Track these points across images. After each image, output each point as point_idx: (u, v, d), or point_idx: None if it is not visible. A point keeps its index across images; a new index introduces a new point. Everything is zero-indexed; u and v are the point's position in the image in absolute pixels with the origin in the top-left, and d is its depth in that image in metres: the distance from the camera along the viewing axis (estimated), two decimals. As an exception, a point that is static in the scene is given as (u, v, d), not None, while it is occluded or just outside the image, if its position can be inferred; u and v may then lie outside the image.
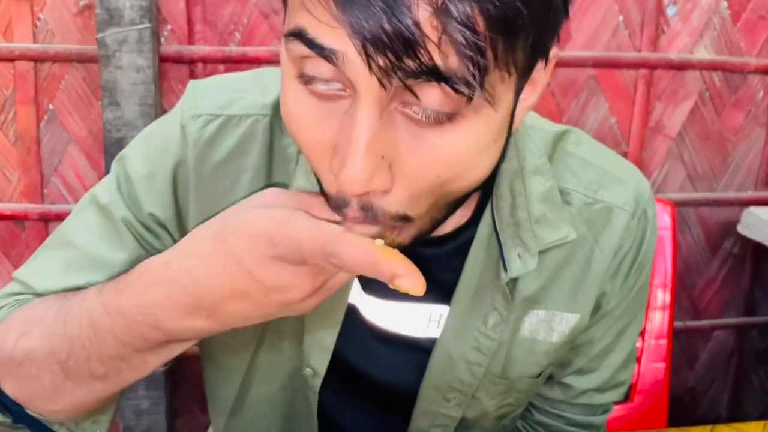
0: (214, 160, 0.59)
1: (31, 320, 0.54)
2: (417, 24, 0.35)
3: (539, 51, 0.42)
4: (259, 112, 0.59)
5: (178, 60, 1.40)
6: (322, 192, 0.46)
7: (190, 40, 1.41)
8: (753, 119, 1.67)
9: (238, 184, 0.59)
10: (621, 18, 1.55)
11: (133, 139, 0.64)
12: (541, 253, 0.59)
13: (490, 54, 0.37)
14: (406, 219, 0.44)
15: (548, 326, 0.63)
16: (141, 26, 1.28)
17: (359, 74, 0.38)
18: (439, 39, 0.36)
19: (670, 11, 1.57)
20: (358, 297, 0.62)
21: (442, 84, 0.37)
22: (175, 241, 0.57)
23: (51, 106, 1.40)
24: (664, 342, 1.24)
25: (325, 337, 0.61)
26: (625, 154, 1.63)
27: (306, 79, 0.41)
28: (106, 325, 0.48)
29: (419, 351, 0.63)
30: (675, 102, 1.62)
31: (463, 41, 0.36)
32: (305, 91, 0.42)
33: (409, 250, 0.45)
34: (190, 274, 0.45)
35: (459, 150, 0.41)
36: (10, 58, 1.36)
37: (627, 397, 0.77)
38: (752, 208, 1.59)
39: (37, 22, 1.36)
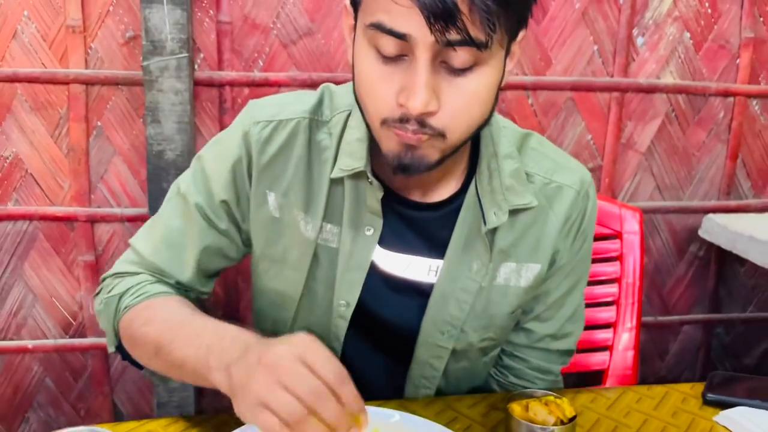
0: (270, 153, 0.81)
1: (151, 317, 0.78)
2: (456, 4, 0.58)
3: (520, 25, 0.68)
4: (300, 116, 0.82)
5: (209, 84, 1.61)
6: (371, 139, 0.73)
7: (220, 66, 1.62)
8: (715, 136, 1.86)
9: (287, 169, 0.81)
10: (595, 47, 1.76)
11: (206, 143, 0.89)
12: (511, 213, 0.81)
13: (496, 22, 0.61)
14: (442, 136, 0.67)
15: (517, 274, 0.85)
16: (180, 56, 1.50)
17: (420, 42, 0.61)
18: (469, 11, 0.59)
19: (639, 41, 1.78)
20: (375, 252, 0.83)
21: (470, 47, 0.61)
22: (233, 221, 0.83)
23: (99, 123, 1.61)
24: (633, 333, 1.38)
25: (354, 276, 0.82)
26: (600, 167, 1.82)
27: (377, 48, 0.64)
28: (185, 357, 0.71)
29: (421, 295, 0.84)
30: (644, 121, 1.82)
31: (484, 12, 0.59)
32: (376, 60, 0.65)
33: (414, 215, 0.77)
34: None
35: (477, 87, 0.65)
36: (65, 82, 1.57)
37: (571, 357, 0.98)
38: (711, 215, 1.78)
39: (89, 51, 1.57)
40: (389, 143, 0.69)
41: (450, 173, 0.82)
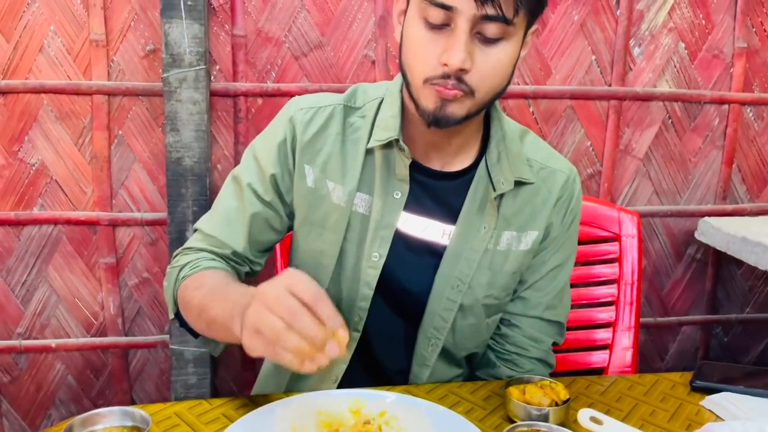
0: (311, 132, 0.97)
1: (200, 284, 0.92)
2: None
3: (536, 13, 0.84)
4: (335, 102, 0.99)
5: (225, 94, 1.70)
6: (412, 98, 0.88)
7: (235, 77, 1.70)
8: (710, 143, 1.93)
9: (324, 146, 0.96)
10: (594, 57, 1.83)
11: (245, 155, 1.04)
12: (515, 185, 0.95)
13: (520, 4, 0.78)
14: (472, 94, 0.82)
15: (518, 240, 0.99)
16: (197, 68, 1.58)
17: (462, 13, 0.78)
18: None
19: (636, 52, 1.85)
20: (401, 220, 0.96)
21: (500, 23, 0.78)
22: (278, 193, 0.98)
23: (120, 132, 1.70)
24: (631, 332, 1.43)
25: (385, 233, 0.95)
26: (599, 173, 1.89)
27: (426, 19, 0.80)
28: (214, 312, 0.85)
29: (434, 255, 0.97)
30: (641, 128, 1.89)
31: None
32: (425, 27, 0.81)
33: (433, 183, 0.95)
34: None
35: (501, 56, 0.82)
36: (88, 93, 1.66)
37: (563, 336, 1.09)
38: (707, 218, 1.84)
39: (111, 63, 1.66)
40: (428, 99, 0.84)
41: (465, 147, 0.97)
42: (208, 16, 1.63)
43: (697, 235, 1.85)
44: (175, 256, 1.03)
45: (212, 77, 1.69)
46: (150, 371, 1.83)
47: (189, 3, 1.55)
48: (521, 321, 1.05)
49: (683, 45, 1.86)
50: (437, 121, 0.85)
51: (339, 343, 0.68)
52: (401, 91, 0.95)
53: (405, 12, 0.86)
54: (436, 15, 0.79)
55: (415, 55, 0.83)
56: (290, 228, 1.04)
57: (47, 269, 1.73)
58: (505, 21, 0.78)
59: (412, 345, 1.01)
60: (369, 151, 0.95)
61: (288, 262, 1.09)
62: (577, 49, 1.82)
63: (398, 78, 0.95)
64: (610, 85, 1.84)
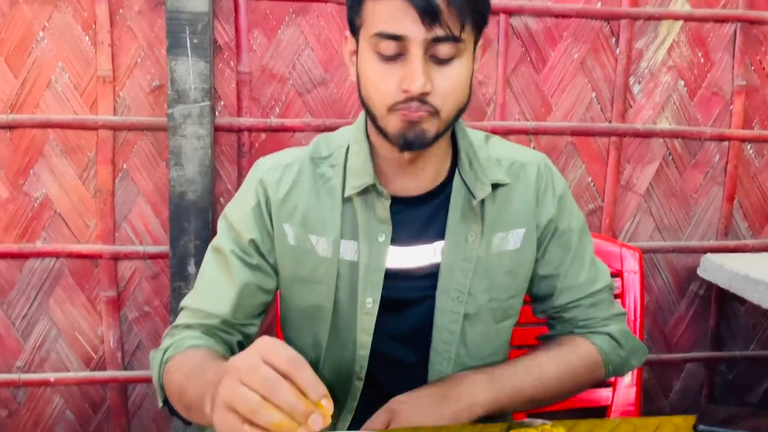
0: (284, 190, 0.97)
1: (181, 364, 0.88)
2: (438, 5, 0.79)
3: (480, 28, 0.87)
4: (300, 158, 0.99)
5: (229, 129, 1.72)
6: (379, 129, 0.88)
7: (239, 113, 1.72)
8: (711, 179, 1.94)
9: (300, 201, 0.97)
10: (594, 95, 1.85)
11: (228, 202, 1.04)
12: (492, 188, 0.96)
13: (466, 20, 0.81)
14: (437, 113, 0.84)
15: (506, 240, 1.00)
16: (202, 104, 1.60)
17: (413, 40, 0.80)
18: (448, 11, 0.79)
19: (636, 89, 1.87)
20: (388, 252, 0.96)
21: (450, 42, 0.81)
22: (262, 255, 0.97)
23: (125, 166, 1.71)
24: (635, 369, 1.44)
25: (375, 278, 0.95)
26: (600, 208, 1.90)
27: (379, 52, 0.82)
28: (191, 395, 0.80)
29: (431, 273, 0.98)
30: (642, 164, 1.90)
31: (458, 11, 0.80)
32: (380, 61, 0.83)
33: (415, 210, 0.96)
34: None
35: (457, 73, 0.84)
36: (94, 128, 1.68)
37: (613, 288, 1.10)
38: (709, 255, 1.83)
39: (117, 99, 1.68)
40: (395, 125, 0.85)
41: (438, 165, 0.97)
42: (213, 53, 1.66)
43: (699, 272, 1.84)
44: (164, 337, 0.99)
45: (217, 113, 1.71)
46: (149, 406, 1.81)
47: (195, 41, 1.58)
48: (577, 303, 1.05)
49: (682, 83, 1.88)
50: (409, 143, 0.85)
51: (323, 415, 0.60)
52: (366, 132, 0.96)
53: (356, 52, 0.88)
54: (389, 47, 0.81)
55: (375, 87, 0.84)
56: (278, 286, 1.03)
57: (48, 302, 1.73)
58: (455, 39, 0.81)
59: (422, 368, 1.00)
60: (347, 199, 0.95)
61: (280, 322, 1.08)
62: (578, 86, 1.84)
63: (360, 120, 0.97)
64: (610, 122, 1.86)
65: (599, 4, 1.81)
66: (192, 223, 1.63)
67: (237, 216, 0.98)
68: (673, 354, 2.00)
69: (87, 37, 1.65)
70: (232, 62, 1.71)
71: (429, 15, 0.79)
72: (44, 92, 1.65)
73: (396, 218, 0.95)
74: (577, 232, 1.05)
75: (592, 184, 1.89)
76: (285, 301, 1.03)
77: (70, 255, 1.72)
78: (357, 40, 0.87)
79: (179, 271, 1.64)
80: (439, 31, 0.80)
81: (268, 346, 0.62)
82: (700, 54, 1.87)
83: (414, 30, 0.80)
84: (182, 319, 0.98)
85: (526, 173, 1.01)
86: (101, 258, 1.72)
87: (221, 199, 1.75)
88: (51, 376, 1.74)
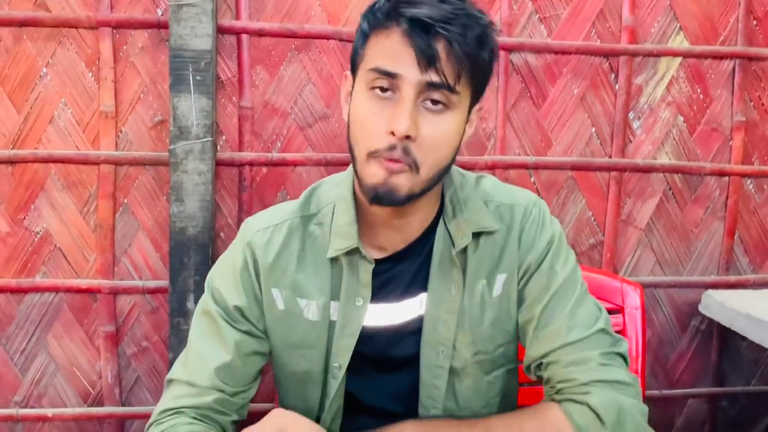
0: (273, 252, 0.94)
1: None
2: (437, 51, 0.78)
3: (479, 89, 0.86)
4: (291, 216, 0.95)
5: (230, 164, 1.72)
6: (358, 180, 0.86)
7: (240, 147, 1.73)
8: (711, 214, 1.94)
9: (289, 263, 0.93)
10: (593, 130, 1.86)
11: (216, 262, 1.00)
12: (474, 236, 0.92)
13: (463, 72, 0.80)
14: (417, 169, 0.81)
15: (488, 288, 0.94)
16: (204, 140, 1.61)
17: (407, 80, 0.80)
18: (446, 58, 0.79)
19: (635, 124, 1.88)
20: (369, 310, 0.92)
21: (444, 90, 0.80)
22: (250, 321, 0.94)
23: (125, 201, 1.71)
24: None
25: (346, 343, 0.92)
26: (601, 243, 1.90)
27: (372, 87, 0.82)
28: None
29: (415, 326, 0.94)
30: (642, 199, 1.90)
31: (456, 60, 0.79)
32: (371, 98, 0.82)
33: (399, 266, 0.93)
34: None
35: (446, 126, 0.83)
36: (96, 162, 1.68)
37: (612, 337, 0.92)
38: (710, 291, 1.83)
39: (120, 134, 1.69)
40: (372, 174, 0.82)
41: (425, 215, 0.94)
42: (216, 88, 1.67)
43: (701, 309, 1.84)
44: (149, 426, 0.92)
45: (218, 147, 1.71)
46: (146, 442, 1.79)
47: (198, 78, 1.59)
48: (553, 356, 0.91)
49: (682, 118, 1.89)
50: (379, 198, 0.82)
51: None
52: (353, 188, 0.93)
53: (350, 93, 0.87)
54: (383, 83, 0.81)
55: (361, 127, 0.83)
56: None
57: (47, 337, 1.72)
58: (449, 88, 0.80)
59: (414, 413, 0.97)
60: (334, 259, 0.93)
61: (275, 383, 1.05)
62: (577, 121, 1.85)
63: (348, 175, 0.94)
64: (610, 157, 1.87)
65: (598, 41, 1.83)
66: (192, 259, 1.63)
67: (222, 280, 0.94)
68: (675, 390, 1.98)
69: (90, 73, 1.66)
70: (234, 97, 1.72)
71: (426, 57, 0.78)
72: (47, 127, 1.66)
73: (381, 277, 0.92)
74: (561, 276, 0.93)
75: (592, 218, 1.89)
76: (277, 365, 0.99)
77: (69, 289, 1.71)
78: (354, 79, 0.87)
79: (178, 307, 1.64)
80: (434, 76, 0.79)
81: (285, 421, 0.64)
82: (699, 90, 1.88)
83: (409, 70, 0.79)
84: (171, 400, 0.91)
85: (512, 214, 0.95)
86: (100, 292, 1.71)
87: (222, 234, 1.74)
88: (49, 412, 1.73)
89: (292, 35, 1.70)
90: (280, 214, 0.96)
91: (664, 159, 1.89)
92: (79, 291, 1.71)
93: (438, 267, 0.93)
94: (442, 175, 0.87)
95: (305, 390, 0.97)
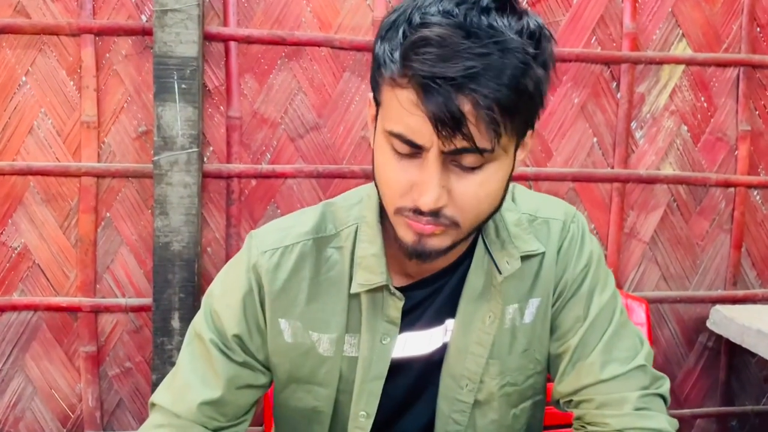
0: (281, 279, 0.81)
1: None
2: (463, 113, 0.62)
3: (528, 125, 0.71)
4: (304, 238, 0.83)
5: (218, 176, 1.65)
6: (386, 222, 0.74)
7: (228, 159, 1.66)
8: (717, 226, 1.87)
9: (300, 292, 0.82)
10: (595, 140, 1.80)
11: (216, 276, 0.88)
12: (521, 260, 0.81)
13: (502, 129, 0.64)
14: (455, 224, 0.69)
15: (520, 313, 0.84)
16: (190, 150, 1.54)
17: (432, 150, 0.65)
18: (476, 119, 0.63)
19: (638, 134, 1.82)
20: (395, 345, 0.82)
21: (477, 155, 0.65)
22: (249, 353, 0.83)
23: (108, 214, 1.64)
24: None
25: (373, 387, 0.83)
26: (604, 256, 1.82)
27: (395, 151, 0.68)
28: None
29: (436, 357, 0.84)
30: (646, 211, 1.84)
31: (490, 122, 0.63)
32: (393, 156, 0.68)
33: (428, 292, 0.81)
34: None
35: (486, 181, 0.68)
36: (77, 175, 1.61)
37: (652, 377, 0.84)
38: (719, 306, 1.76)
39: (102, 145, 1.62)
40: (403, 232, 0.71)
41: (462, 245, 0.82)
42: (203, 98, 1.60)
43: (709, 325, 1.77)
44: None
45: (205, 159, 1.65)
46: (128, 469, 1.71)
47: (183, 86, 1.52)
48: (585, 394, 0.84)
49: (686, 128, 1.83)
50: (418, 255, 0.71)
51: None
52: (379, 212, 0.80)
53: (375, 119, 0.73)
54: (403, 148, 0.67)
55: (384, 182, 0.71)
56: (272, 380, 0.89)
57: (24, 358, 1.64)
58: (480, 152, 0.65)
59: None
60: (353, 294, 0.81)
61: (273, 420, 0.96)
62: (578, 131, 1.79)
63: (373, 194, 0.81)
64: (612, 168, 1.80)
65: (599, 48, 1.77)
66: (177, 275, 1.55)
67: (222, 303, 0.83)
68: (682, 410, 1.90)
69: (71, 81, 1.60)
70: (221, 107, 1.65)
71: (448, 127, 0.62)
72: (26, 138, 1.59)
73: (407, 304, 0.81)
74: (599, 304, 0.84)
75: (595, 231, 1.82)
76: (278, 400, 0.89)
77: (49, 308, 1.63)
78: (376, 114, 0.72)
79: (162, 326, 1.56)
80: (460, 143, 0.63)
81: None
82: (703, 98, 1.83)
83: (429, 140, 0.64)
84: (152, 429, 0.82)
85: (548, 231, 0.84)
86: (81, 311, 1.64)
87: (209, 249, 1.67)
88: (25, 437, 1.64)
89: (282, 42, 1.64)
90: (291, 234, 0.83)
91: (668, 170, 1.83)
92: (59, 309, 1.64)
93: (473, 293, 0.82)
94: (489, 219, 0.75)
95: (310, 428, 0.87)
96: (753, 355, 1.91)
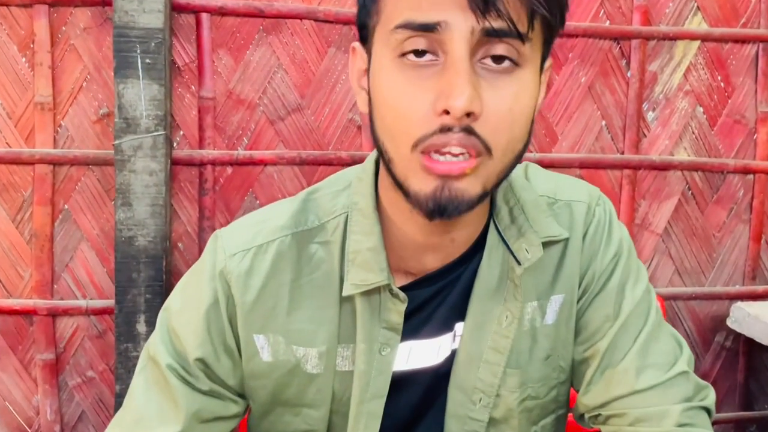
0: (255, 286, 0.67)
1: None
2: None
3: (555, 29, 0.59)
4: (281, 234, 0.69)
5: (189, 163, 1.49)
6: (398, 185, 0.59)
7: (201, 144, 1.50)
8: (735, 216, 1.73)
9: (279, 300, 0.68)
10: (604, 123, 1.66)
11: (174, 288, 0.73)
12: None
13: (538, 12, 0.55)
14: (488, 151, 0.56)
15: (541, 312, 0.71)
16: (156, 133, 1.38)
17: (456, 32, 0.54)
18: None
19: (650, 116, 1.68)
20: (399, 356, 0.70)
21: (511, 39, 0.54)
22: (216, 380, 0.68)
23: (66, 206, 1.48)
24: None
25: (373, 407, 0.69)
26: (614, 250, 1.68)
27: (403, 53, 0.56)
28: None
29: (443, 367, 0.71)
30: (659, 200, 1.70)
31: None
32: (402, 65, 0.56)
33: (435, 290, 0.67)
34: None
35: (518, 91, 0.57)
36: (30, 162, 1.45)
37: (695, 385, 0.71)
38: (740, 303, 1.62)
39: (59, 129, 1.46)
40: (421, 178, 0.57)
41: (476, 225, 0.69)
42: (171, 76, 1.44)
43: (729, 323, 1.63)
44: None
45: (174, 144, 1.48)
46: (91, 489, 1.55)
47: (147, 61, 1.36)
48: (617, 407, 0.71)
49: (701, 109, 1.69)
50: (442, 210, 0.57)
51: None
52: (375, 196, 0.67)
53: (367, 71, 0.62)
54: (418, 44, 0.55)
55: (396, 111, 0.57)
56: (248, 407, 0.75)
57: (-27, 367, 1.48)
58: (519, 36, 0.54)
59: None
60: (345, 297, 0.68)
61: None
62: (586, 113, 1.64)
63: (366, 175, 0.68)
64: (622, 153, 1.66)
65: (608, 22, 1.63)
66: (142, 273, 1.39)
67: (181, 319, 0.69)
68: (698, 415, 1.76)
69: (23, 58, 1.44)
70: (193, 86, 1.49)
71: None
72: (-28, 121, 1.43)
73: (409, 307, 0.68)
74: (632, 300, 0.72)
75: (604, 222, 1.68)
76: (261, 426, 0.75)
77: (0, 311, 1.47)
78: (370, 49, 0.61)
79: (127, 330, 1.40)
80: (496, 21, 0.53)
81: None
82: (719, 77, 1.69)
83: (457, 17, 0.53)
84: None
85: (571, 215, 0.72)
86: (36, 314, 1.48)
87: (179, 244, 1.51)
88: (-25, 455, 1.48)
89: (259, 14, 1.49)
90: (265, 229, 0.69)
91: (683, 155, 1.69)
92: (12, 313, 1.48)
93: (486, 289, 0.69)
94: (518, 159, 0.61)
95: None
96: (773, 355, 1.78)
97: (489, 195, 0.61)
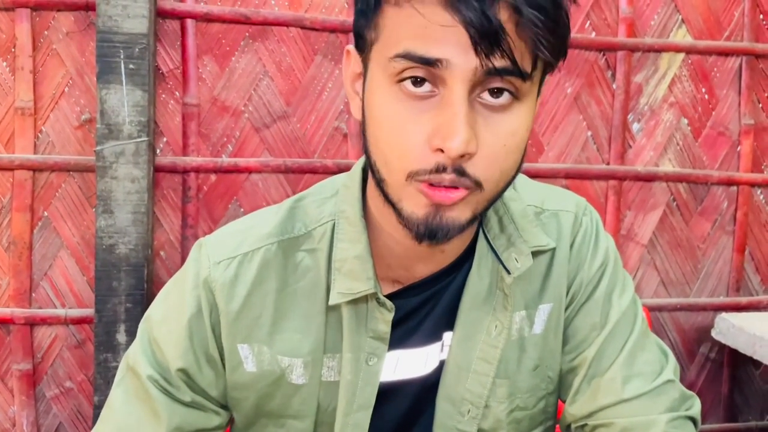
0: (240, 295, 0.66)
1: None
2: (501, 23, 0.51)
3: (559, 56, 0.57)
4: (266, 242, 0.68)
5: (172, 170, 1.47)
6: (390, 203, 0.59)
7: (185, 151, 1.48)
8: (720, 228, 1.74)
9: (264, 309, 0.67)
10: (589, 133, 1.66)
11: (156, 296, 0.72)
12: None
13: (543, 46, 0.53)
14: (478, 186, 0.56)
15: (529, 321, 0.71)
16: (138, 140, 1.36)
17: (457, 70, 0.52)
18: (516, 32, 0.52)
19: (635, 127, 1.68)
20: (386, 366, 0.69)
21: (513, 77, 0.53)
22: (198, 391, 0.67)
23: (45, 213, 1.45)
24: None
25: (359, 418, 0.68)
26: (599, 261, 1.68)
27: (401, 79, 0.54)
28: None
29: (431, 377, 0.71)
30: (644, 211, 1.70)
31: (532, 32, 0.52)
32: (399, 94, 0.55)
33: (419, 303, 0.67)
34: None
35: (515, 126, 0.56)
36: (9, 168, 1.42)
37: (682, 394, 0.72)
38: (725, 314, 1.62)
39: (39, 134, 1.43)
40: (415, 203, 0.57)
41: (465, 236, 0.69)
42: (155, 82, 1.42)
43: (714, 334, 1.63)
44: None
45: (158, 151, 1.46)
46: (68, 503, 1.51)
47: (131, 67, 1.34)
48: (603, 416, 0.71)
49: (686, 121, 1.70)
50: (432, 234, 0.57)
51: None
52: (362, 202, 0.67)
53: (362, 75, 0.60)
54: (418, 72, 0.54)
55: (391, 138, 0.56)
56: (231, 418, 0.74)
57: (-54, 378, 1.44)
58: (521, 75, 0.53)
59: None
60: (332, 305, 0.68)
61: None
62: (572, 124, 1.64)
63: (353, 181, 0.68)
64: (608, 164, 1.66)
65: (594, 33, 1.63)
66: (123, 282, 1.36)
67: (163, 329, 0.67)
68: (683, 426, 1.76)
69: (4, 62, 1.42)
70: (177, 92, 1.47)
71: (487, 35, 0.50)
72: (-50, 126, 1.40)
73: (396, 316, 0.67)
74: (618, 309, 0.72)
75: (589, 233, 1.68)
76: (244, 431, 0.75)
77: (-24, 320, 1.43)
78: (366, 61, 0.59)
79: (106, 340, 1.37)
80: (498, 62, 0.52)
81: None
82: (704, 90, 1.70)
83: (459, 56, 0.52)
84: None
85: (558, 225, 0.73)
86: (13, 323, 1.45)
87: (162, 253, 1.48)
88: (-53, 469, 1.44)
89: (246, 21, 1.47)
90: (250, 237, 0.68)
91: (667, 166, 1.70)
92: (-12, 322, 1.44)
93: (475, 299, 0.69)
94: (509, 185, 0.61)
95: None
96: (757, 366, 1.78)
97: (478, 218, 0.60)
